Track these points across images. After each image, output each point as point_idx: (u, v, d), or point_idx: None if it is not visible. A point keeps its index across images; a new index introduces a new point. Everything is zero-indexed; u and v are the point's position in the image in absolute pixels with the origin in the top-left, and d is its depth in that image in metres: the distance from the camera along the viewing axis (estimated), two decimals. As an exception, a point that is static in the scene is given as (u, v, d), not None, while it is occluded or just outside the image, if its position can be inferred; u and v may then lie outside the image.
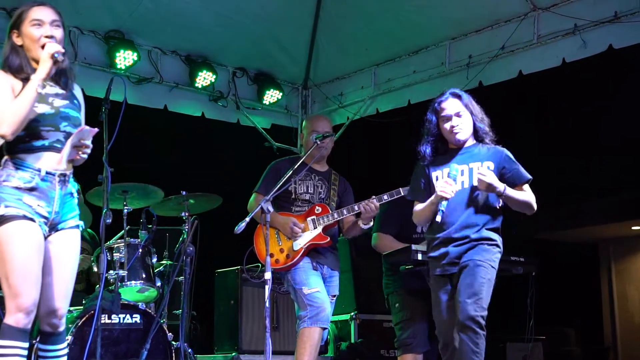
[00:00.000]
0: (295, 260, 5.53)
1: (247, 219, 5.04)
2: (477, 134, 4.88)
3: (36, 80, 3.88)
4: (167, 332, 5.84)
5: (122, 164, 4.73)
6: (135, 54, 7.54)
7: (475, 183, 4.74)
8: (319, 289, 5.45)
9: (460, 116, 4.84)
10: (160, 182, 6.23)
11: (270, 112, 8.96)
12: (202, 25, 7.76)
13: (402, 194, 5.41)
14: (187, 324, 6.11)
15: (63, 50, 3.96)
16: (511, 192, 4.71)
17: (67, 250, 4.04)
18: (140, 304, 5.88)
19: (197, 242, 5.83)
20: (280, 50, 8.44)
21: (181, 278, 5.97)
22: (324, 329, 5.42)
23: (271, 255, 5.34)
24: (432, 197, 4.79)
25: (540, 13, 7.06)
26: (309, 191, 5.76)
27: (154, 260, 6.19)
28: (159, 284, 6.12)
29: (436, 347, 4.96)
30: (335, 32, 8.20)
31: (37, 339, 4.10)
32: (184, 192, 6.05)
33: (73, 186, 4.11)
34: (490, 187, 4.66)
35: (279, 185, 5.25)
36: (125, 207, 5.98)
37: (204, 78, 8.08)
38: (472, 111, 4.86)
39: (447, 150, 4.92)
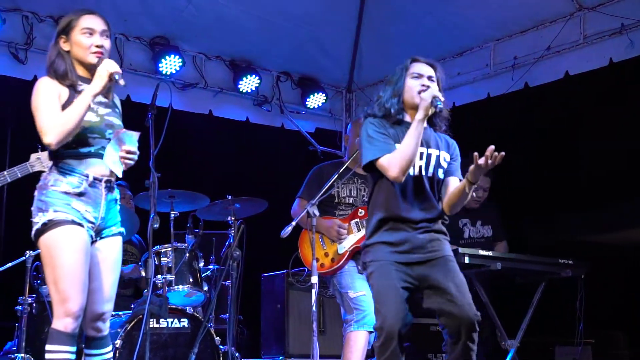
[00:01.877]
0: (340, 264, 5.52)
1: (293, 223, 5.05)
2: (434, 115, 4.32)
3: (90, 95, 3.88)
4: (214, 336, 5.87)
5: (169, 169, 4.77)
6: (180, 60, 7.59)
7: (430, 172, 4.26)
8: (364, 292, 5.43)
9: (433, 81, 4.36)
10: (205, 186, 6.26)
11: (314, 116, 8.97)
12: (245, 30, 7.79)
13: None
14: (234, 328, 6.12)
15: (121, 72, 3.98)
16: None
17: (112, 256, 4.08)
18: (187, 308, 5.92)
19: (243, 246, 5.84)
20: (324, 54, 8.44)
21: (228, 282, 5.99)
22: (371, 332, 5.41)
23: (316, 260, 5.35)
24: (420, 107, 4.17)
25: (586, 13, 6.97)
26: (352, 194, 5.75)
27: (201, 264, 6.20)
28: (206, 288, 6.13)
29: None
30: (379, 35, 8.17)
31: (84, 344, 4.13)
32: (229, 197, 6.06)
33: (117, 193, 4.14)
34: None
35: (324, 189, 5.24)
36: (172, 213, 6.02)
37: (248, 83, 8.11)
38: (439, 88, 4.37)
39: (401, 122, 4.33)
